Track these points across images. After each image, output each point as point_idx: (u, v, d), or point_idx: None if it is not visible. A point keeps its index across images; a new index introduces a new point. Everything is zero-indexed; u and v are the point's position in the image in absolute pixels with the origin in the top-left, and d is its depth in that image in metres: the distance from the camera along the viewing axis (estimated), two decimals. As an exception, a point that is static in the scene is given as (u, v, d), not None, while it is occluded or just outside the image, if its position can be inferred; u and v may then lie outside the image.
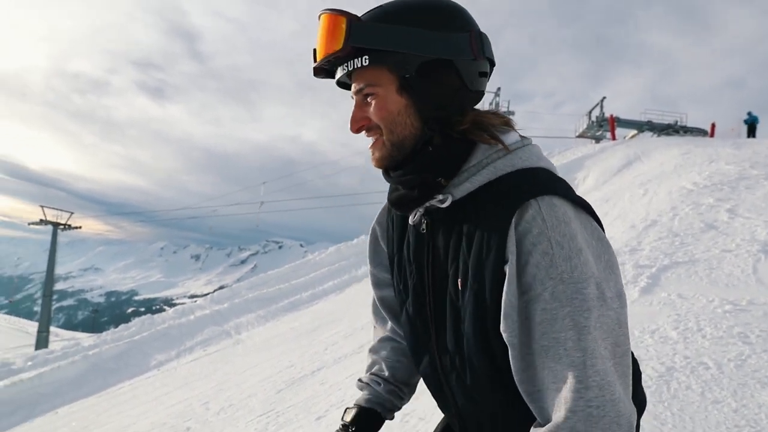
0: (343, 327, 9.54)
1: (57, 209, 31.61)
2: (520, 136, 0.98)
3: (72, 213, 31.97)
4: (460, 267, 0.93)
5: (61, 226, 31.26)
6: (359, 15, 0.94)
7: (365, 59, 0.92)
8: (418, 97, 0.93)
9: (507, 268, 0.85)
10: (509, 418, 0.95)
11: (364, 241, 18.43)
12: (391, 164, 0.98)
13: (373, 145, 0.98)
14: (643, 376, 2.67)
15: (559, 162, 16.42)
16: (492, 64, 0.98)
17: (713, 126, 23.47)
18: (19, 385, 9.23)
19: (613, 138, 22.66)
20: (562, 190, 0.88)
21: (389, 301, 1.23)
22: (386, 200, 1.11)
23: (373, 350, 1.25)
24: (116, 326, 13.37)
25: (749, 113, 22.12)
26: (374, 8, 0.94)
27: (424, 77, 0.92)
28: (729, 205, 6.13)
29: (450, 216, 0.95)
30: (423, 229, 1.01)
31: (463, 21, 0.94)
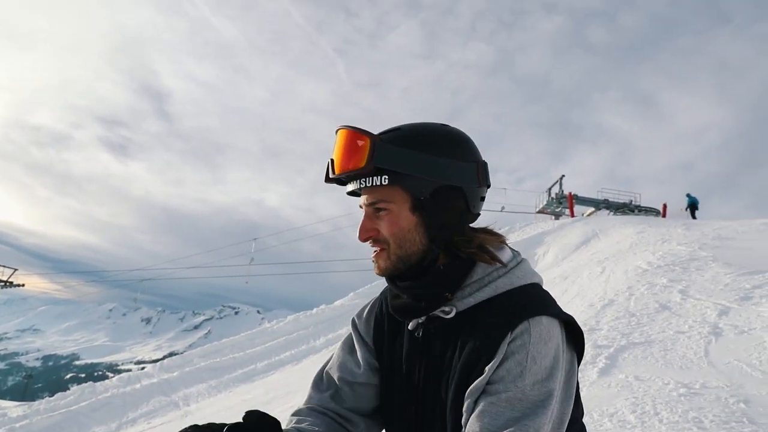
0: (299, 400, 9.11)
1: (-1, 265, 29.87)
2: (511, 249, 1.10)
3: (16, 269, 30.29)
4: (452, 378, 1.00)
5: (1, 284, 29.47)
6: (378, 133, 1.02)
7: (385, 179, 1.00)
8: (429, 217, 1.02)
9: (486, 368, 0.95)
10: None
11: (324, 310, 18.03)
12: (394, 275, 1.05)
13: (378, 255, 1.05)
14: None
15: (520, 237, 16.83)
16: (488, 187, 1.09)
17: (665, 206, 24.71)
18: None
19: (572, 215, 23.49)
20: (552, 309, 0.99)
21: (347, 379, 1.21)
22: (372, 306, 1.22)
23: (298, 413, 1.21)
24: (51, 394, 12.36)
25: (688, 195, 23.49)
26: (392, 130, 1.03)
27: (436, 200, 1.01)
28: (681, 285, 6.35)
29: (449, 326, 1.03)
30: (418, 335, 1.08)
31: (471, 151, 1.05)
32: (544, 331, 0.95)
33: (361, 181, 1.02)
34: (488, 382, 0.93)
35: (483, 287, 1.02)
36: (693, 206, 23.30)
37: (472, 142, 1.06)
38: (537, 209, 25.75)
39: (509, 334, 0.94)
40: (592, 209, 24.66)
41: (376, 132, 1.02)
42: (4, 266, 30.00)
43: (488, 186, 1.08)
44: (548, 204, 25.58)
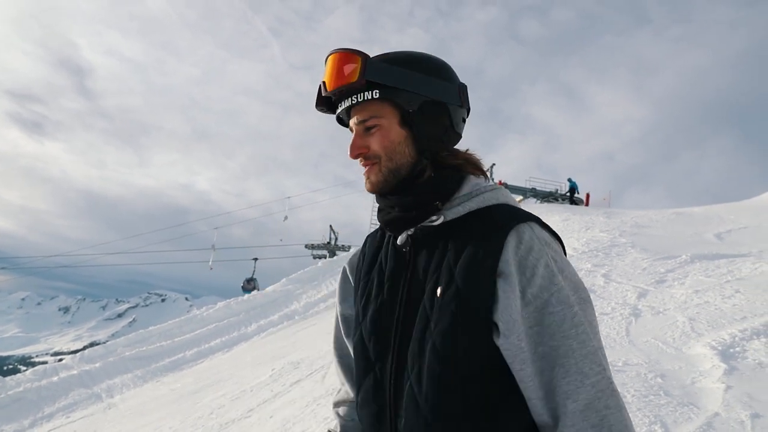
0: (230, 389, 8.90)
1: None
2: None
3: None
4: (441, 278, 1.01)
5: None
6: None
7: (375, 93, 1.05)
8: (417, 130, 1.07)
9: (501, 283, 0.95)
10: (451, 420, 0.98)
11: (255, 297, 17.63)
12: (384, 189, 1.10)
13: (369, 171, 1.09)
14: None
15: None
16: (468, 112, 1.16)
17: (588, 196, 26.14)
18: None
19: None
20: (540, 220, 1.04)
21: (344, 356, 1.31)
22: (377, 223, 1.22)
23: (336, 404, 1.33)
24: None
25: (569, 179, 24.96)
26: (381, 54, 1.09)
27: (423, 114, 1.07)
28: (604, 270, 6.73)
29: (437, 236, 1.06)
30: (406, 249, 1.10)
31: (453, 74, 1.12)
32: (546, 235, 1.00)
33: (353, 98, 1.06)
34: (526, 302, 0.93)
35: (472, 198, 1.07)
36: (572, 190, 24.78)
37: (453, 70, 1.13)
38: (469, 197, 26.50)
39: (512, 234, 0.98)
40: (521, 197, 25.69)
41: None
42: None
43: (468, 110, 1.14)
44: (480, 192, 26.39)
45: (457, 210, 1.05)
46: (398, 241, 1.11)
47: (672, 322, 4.56)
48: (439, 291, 1.00)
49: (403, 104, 1.06)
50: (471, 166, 1.12)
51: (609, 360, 3.28)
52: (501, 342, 0.94)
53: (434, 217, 1.05)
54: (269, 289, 16.98)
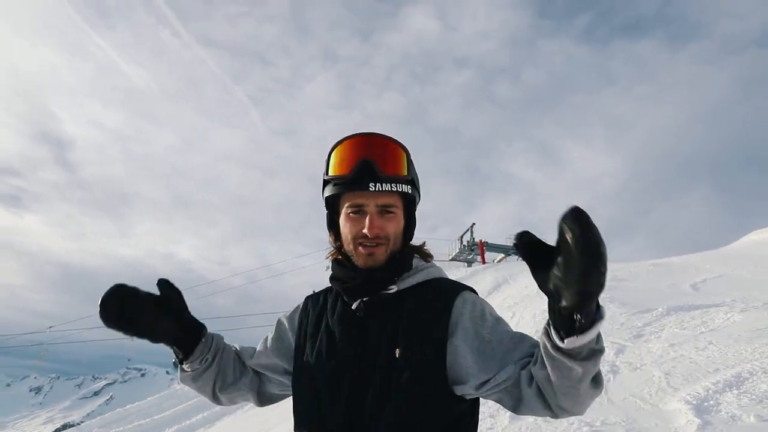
0: (211, 469, 8.51)
1: None
2: None
3: None
4: (399, 340, 1.18)
5: None
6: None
7: (409, 188, 1.25)
8: (410, 222, 1.30)
9: (450, 338, 1.18)
10: None
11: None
12: (379, 266, 1.24)
13: (376, 249, 1.23)
14: None
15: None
16: None
17: None
18: None
19: (483, 262, 24.45)
20: (472, 288, 1.31)
21: (263, 369, 1.45)
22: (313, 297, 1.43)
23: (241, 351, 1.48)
24: None
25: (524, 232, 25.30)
26: (396, 141, 1.26)
27: (413, 209, 1.31)
28: (582, 327, 6.81)
29: (389, 303, 1.24)
30: (360, 313, 1.25)
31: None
32: (479, 299, 1.28)
33: (394, 186, 1.22)
34: (471, 339, 1.18)
35: (419, 272, 1.29)
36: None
37: None
38: (450, 257, 26.58)
39: (459, 297, 1.24)
40: (502, 255, 25.84)
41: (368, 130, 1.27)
42: None
43: None
44: (460, 252, 26.49)
45: (408, 281, 1.27)
46: (353, 306, 1.26)
47: (648, 377, 4.63)
48: (398, 352, 1.17)
49: (413, 202, 1.29)
50: (422, 249, 1.37)
51: (588, 420, 3.33)
52: (458, 378, 1.16)
53: (392, 287, 1.24)
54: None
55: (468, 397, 1.18)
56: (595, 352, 0.97)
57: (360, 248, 1.23)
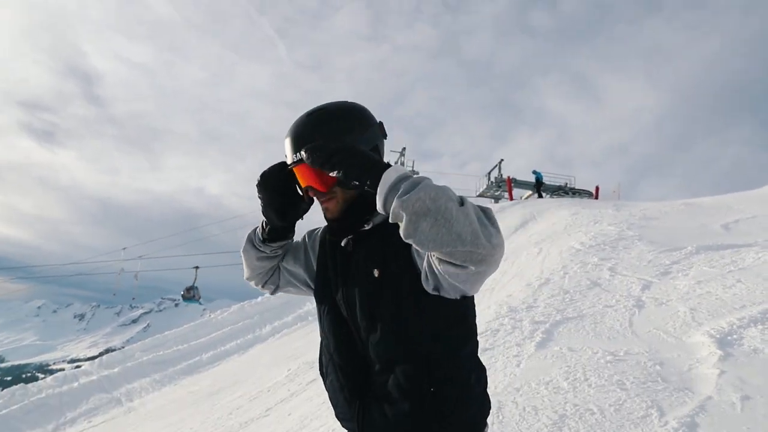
0: (248, 389, 9.12)
1: None
2: None
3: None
4: (378, 262, 1.39)
5: None
6: (323, 123, 1.42)
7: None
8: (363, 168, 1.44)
9: (412, 248, 1.34)
10: (407, 362, 1.36)
11: (269, 299, 17.71)
12: (340, 214, 1.45)
13: (329, 203, 1.45)
14: (539, 424, 2.88)
15: (462, 221, 17.30)
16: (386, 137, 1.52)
17: (597, 189, 26.05)
18: None
19: (511, 198, 24.34)
20: None
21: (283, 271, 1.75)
22: (321, 230, 1.68)
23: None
24: None
25: (534, 171, 24.86)
26: (325, 117, 1.41)
27: None
28: (610, 263, 6.85)
29: (370, 236, 1.45)
30: (350, 249, 1.49)
31: (371, 117, 1.47)
32: None
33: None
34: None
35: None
36: (538, 182, 24.65)
37: (369, 111, 1.48)
38: (477, 193, 26.52)
39: None
40: (530, 192, 25.64)
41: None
42: None
43: (386, 137, 1.50)
44: (488, 188, 26.36)
45: (378, 219, 1.43)
46: (342, 244, 1.50)
47: (674, 312, 4.71)
48: (376, 272, 1.38)
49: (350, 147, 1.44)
50: None
51: (612, 350, 3.47)
52: (424, 279, 1.31)
53: (366, 226, 1.44)
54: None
55: (448, 298, 1.31)
56: (412, 196, 1.10)
57: (321, 205, 1.49)
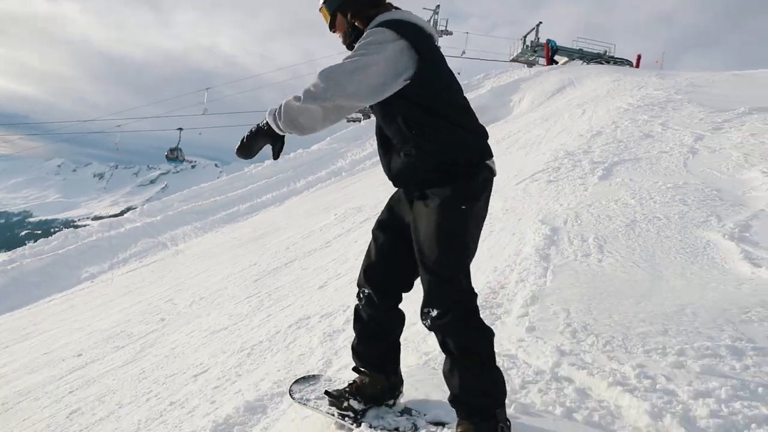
0: (295, 232, 9.72)
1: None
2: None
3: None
4: None
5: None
6: None
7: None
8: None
9: None
10: (399, 133, 1.82)
11: (301, 155, 18.05)
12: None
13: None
14: (614, 225, 3.36)
15: (495, 84, 17.11)
16: None
17: (639, 57, 24.82)
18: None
19: (547, 63, 23.46)
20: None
21: None
22: None
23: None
24: (8, 250, 12.47)
25: (549, 40, 23.77)
26: None
27: None
28: (661, 120, 7.07)
29: None
30: None
31: None
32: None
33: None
34: None
35: None
36: (553, 51, 23.64)
37: None
38: (510, 58, 25.51)
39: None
40: (566, 59, 24.61)
41: None
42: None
43: None
44: (523, 52, 25.28)
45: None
46: None
47: (727, 157, 5.05)
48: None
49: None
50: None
51: (669, 183, 3.94)
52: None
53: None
54: (314, 147, 17.61)
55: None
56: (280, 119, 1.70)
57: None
